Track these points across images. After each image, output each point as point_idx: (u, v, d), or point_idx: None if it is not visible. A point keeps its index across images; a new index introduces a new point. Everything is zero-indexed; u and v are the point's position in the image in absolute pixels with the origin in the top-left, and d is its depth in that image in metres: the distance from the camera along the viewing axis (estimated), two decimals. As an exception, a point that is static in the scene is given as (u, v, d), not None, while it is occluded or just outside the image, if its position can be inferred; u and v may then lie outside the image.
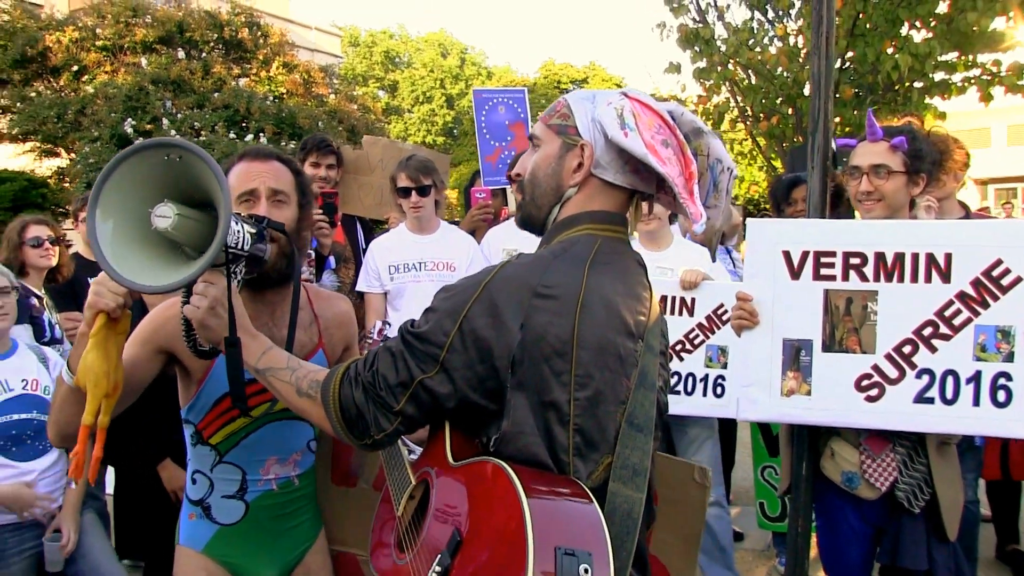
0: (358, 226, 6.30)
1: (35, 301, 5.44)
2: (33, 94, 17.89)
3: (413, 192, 5.23)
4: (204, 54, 18.88)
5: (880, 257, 3.27)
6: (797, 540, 3.62)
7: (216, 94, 17.22)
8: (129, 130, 15.08)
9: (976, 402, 3.16)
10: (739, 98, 14.91)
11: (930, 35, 12.44)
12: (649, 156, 1.96)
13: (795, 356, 3.36)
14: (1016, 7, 11.48)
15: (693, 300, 4.79)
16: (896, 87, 13.24)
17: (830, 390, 3.30)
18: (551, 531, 1.58)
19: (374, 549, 2.38)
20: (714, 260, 2.54)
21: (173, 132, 15.59)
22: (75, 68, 18.32)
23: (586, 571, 1.54)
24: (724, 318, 4.66)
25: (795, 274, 3.37)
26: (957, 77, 13.10)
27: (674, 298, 4.81)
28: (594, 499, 1.75)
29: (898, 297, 3.24)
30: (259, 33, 20.19)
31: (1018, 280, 3.13)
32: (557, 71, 50.80)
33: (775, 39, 14.48)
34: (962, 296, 3.18)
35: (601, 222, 2.08)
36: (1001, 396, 3.13)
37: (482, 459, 1.86)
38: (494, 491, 1.73)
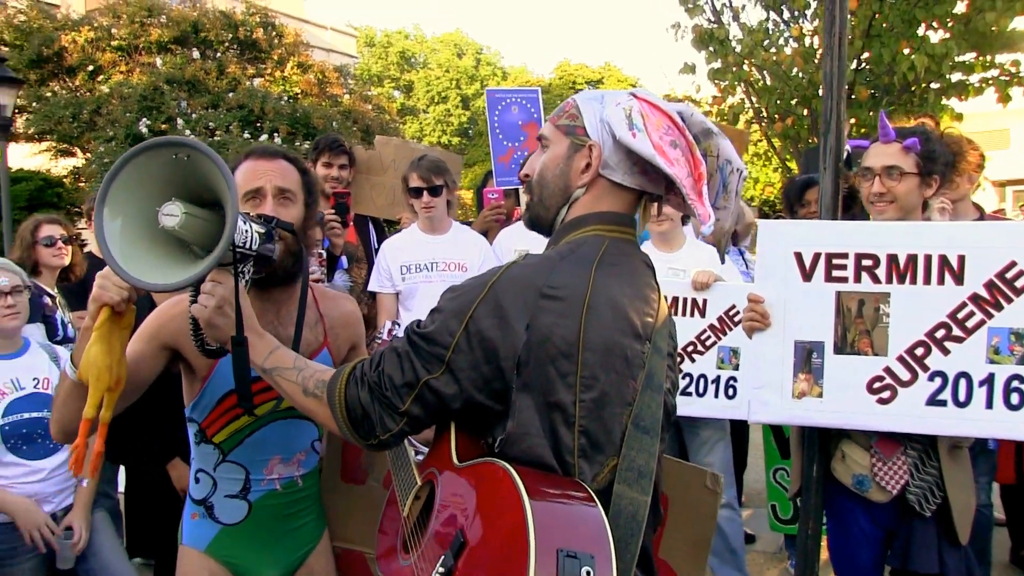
0: (370, 226, 6.30)
1: (48, 300, 5.48)
2: (49, 94, 17.96)
3: (425, 192, 5.23)
4: (219, 54, 18.92)
5: (893, 259, 3.25)
6: (808, 543, 3.60)
7: (231, 94, 17.25)
8: (144, 130, 15.12)
9: (989, 405, 3.14)
10: (754, 99, 14.87)
11: (947, 35, 12.40)
12: (657, 157, 1.95)
13: (807, 358, 3.34)
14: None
15: (705, 301, 4.77)
16: (912, 88, 13.18)
17: (842, 392, 3.28)
18: (553, 533, 1.58)
19: (379, 549, 2.38)
20: (723, 261, 2.52)
21: (188, 132, 15.62)
22: (90, 68, 18.38)
23: (588, 573, 1.53)
24: (736, 319, 4.64)
25: (807, 276, 3.35)
26: (975, 78, 13.04)
27: (686, 299, 4.80)
28: (598, 501, 1.74)
29: (911, 299, 3.22)
30: (274, 33, 20.21)
31: (1032, 282, 3.11)
32: (572, 71, 50.73)
33: (790, 40, 14.44)
34: (975, 298, 3.15)
35: (609, 223, 2.07)
36: (1015, 399, 3.11)
37: (486, 460, 1.86)
38: (497, 493, 1.73)
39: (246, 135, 16.15)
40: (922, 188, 3.45)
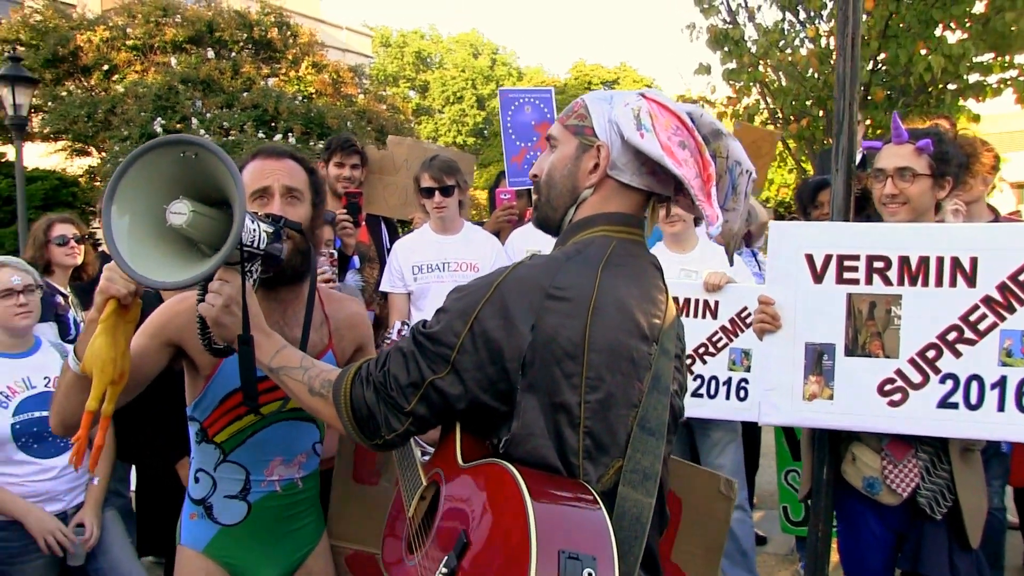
0: (383, 226, 6.30)
1: (60, 299, 5.50)
2: (64, 93, 18.03)
3: (436, 192, 5.23)
4: (233, 54, 18.95)
5: (904, 261, 3.23)
6: (818, 545, 3.59)
7: (245, 94, 17.28)
8: (159, 129, 15.15)
9: (1001, 407, 3.12)
10: (769, 100, 14.84)
11: (965, 36, 12.33)
12: (665, 158, 1.94)
13: (817, 360, 3.33)
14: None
15: (717, 303, 4.76)
16: (929, 89, 13.12)
17: (852, 395, 3.28)
18: (555, 534, 1.57)
19: (385, 549, 2.38)
20: (731, 263, 2.52)
21: (202, 131, 15.66)
22: (106, 67, 18.44)
23: (590, 575, 1.53)
24: (748, 321, 4.62)
25: (818, 277, 3.34)
26: (993, 79, 12.99)
27: (698, 300, 4.79)
28: (601, 503, 1.74)
29: (922, 301, 3.21)
30: (288, 33, 20.25)
31: (1045, 285, 3.09)
32: (588, 72, 50.68)
33: (806, 40, 14.40)
34: (988, 300, 3.14)
35: (617, 224, 2.06)
36: (1027, 402, 3.10)
37: (490, 461, 1.86)
38: (500, 494, 1.73)
39: (260, 135, 16.17)
40: (935, 190, 3.43)
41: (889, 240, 3.28)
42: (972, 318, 3.15)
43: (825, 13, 14.20)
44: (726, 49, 14.21)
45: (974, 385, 3.13)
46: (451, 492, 1.97)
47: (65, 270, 5.67)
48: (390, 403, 1.94)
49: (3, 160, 17.16)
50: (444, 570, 1.73)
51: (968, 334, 3.15)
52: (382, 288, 5.49)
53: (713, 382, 4.76)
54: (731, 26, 14.39)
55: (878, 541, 3.46)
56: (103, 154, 17.65)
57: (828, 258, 3.33)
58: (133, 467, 5.31)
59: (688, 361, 4.74)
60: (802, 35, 14.58)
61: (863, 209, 4.37)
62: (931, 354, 3.18)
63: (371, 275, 5.77)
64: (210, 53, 18.41)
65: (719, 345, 4.76)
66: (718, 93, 15.99)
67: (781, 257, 3.44)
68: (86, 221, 8.85)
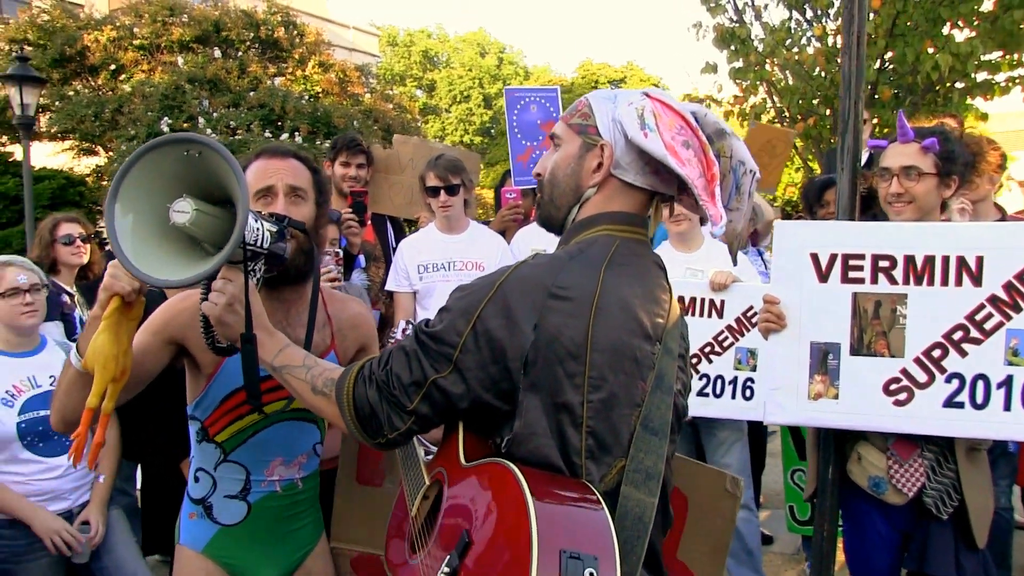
0: (388, 225, 6.31)
1: (66, 298, 5.51)
2: (71, 93, 18.07)
3: (442, 191, 5.23)
4: (240, 53, 18.99)
5: (910, 260, 3.23)
6: (823, 545, 3.58)
7: (252, 93, 17.31)
8: (165, 128, 15.16)
9: (1007, 407, 3.12)
10: (776, 99, 14.81)
11: (973, 34, 12.27)
12: (668, 157, 1.94)
13: (823, 359, 3.33)
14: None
15: (723, 302, 4.75)
16: (936, 88, 13.09)
17: (858, 394, 3.27)
18: (556, 534, 1.57)
19: (388, 548, 2.38)
20: (735, 263, 2.52)
21: (209, 131, 15.69)
22: (113, 67, 18.50)
23: (591, 575, 1.53)
24: (754, 320, 4.61)
25: (823, 277, 3.34)
26: (1001, 77, 12.95)
27: (703, 300, 4.78)
28: (604, 503, 1.74)
29: (928, 300, 3.20)
30: (295, 32, 20.28)
31: (1052, 283, 3.08)
32: (594, 71, 50.61)
33: (813, 39, 14.36)
34: (993, 300, 3.13)
35: (620, 223, 2.06)
36: (1033, 401, 3.09)
37: (492, 460, 1.85)
38: (501, 493, 1.73)
39: (267, 134, 16.22)
40: (940, 189, 3.42)
41: (894, 239, 3.27)
42: (978, 317, 3.14)
43: (832, 12, 14.15)
44: (732, 48, 14.18)
45: (980, 384, 3.13)
46: (453, 491, 1.97)
47: (71, 269, 5.67)
48: (393, 402, 1.94)
49: (11, 159, 17.24)
50: (446, 569, 1.73)
51: (974, 333, 3.14)
52: (388, 287, 5.49)
53: (719, 381, 4.76)
54: (738, 25, 14.35)
55: (884, 541, 3.45)
56: (110, 153, 17.71)
57: (833, 257, 3.33)
58: (139, 466, 5.33)
59: (694, 360, 4.74)
60: (809, 34, 14.55)
61: (869, 208, 4.35)
62: (937, 353, 3.17)
63: (377, 274, 5.77)
64: (217, 52, 18.44)
65: (725, 344, 4.76)
66: (724, 92, 15.97)
67: (786, 256, 3.43)
68: (93, 220, 8.86)
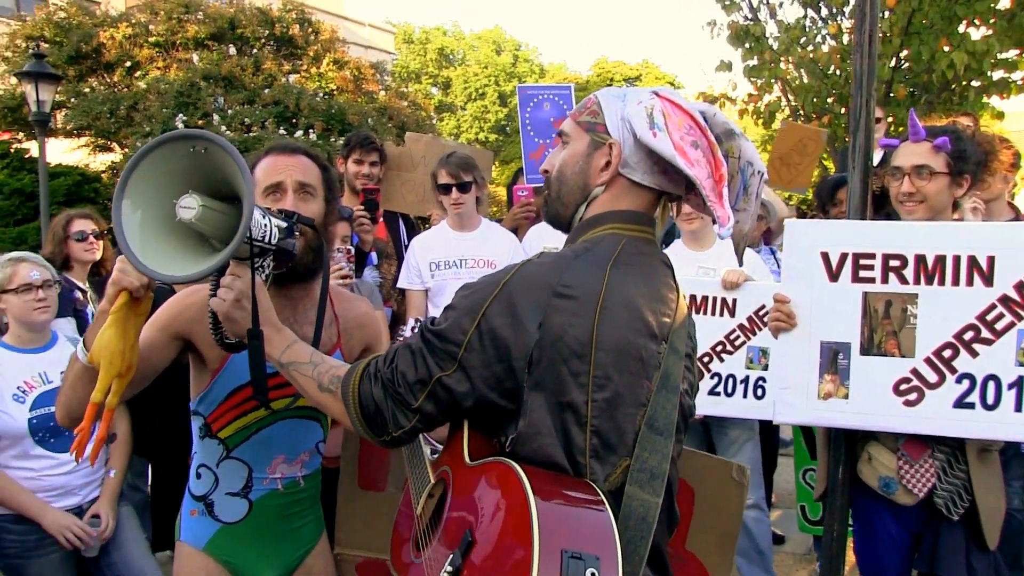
0: (400, 222, 6.30)
1: (79, 295, 5.53)
2: (87, 89, 18.10)
3: (453, 188, 5.24)
4: (255, 50, 19.01)
5: (921, 259, 3.21)
6: (833, 545, 3.57)
7: (266, 90, 17.32)
8: (180, 125, 15.17)
9: (1018, 408, 3.10)
10: (790, 97, 14.76)
11: (989, 32, 12.21)
12: (677, 157, 1.93)
13: (833, 359, 3.31)
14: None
15: (735, 301, 4.75)
16: (952, 86, 13.02)
17: (868, 394, 3.26)
18: (558, 534, 1.57)
19: (393, 548, 2.38)
20: (740, 264, 2.53)
21: (224, 128, 15.73)
22: (128, 64, 18.54)
23: (593, 575, 1.52)
24: (766, 319, 4.60)
25: (833, 276, 3.33)
26: (1017, 75, 12.86)
27: (715, 298, 4.77)
28: (606, 502, 1.74)
29: (939, 300, 3.19)
30: (310, 30, 20.29)
31: (1064, 284, 3.06)
32: (610, 68, 50.49)
33: (828, 37, 14.31)
34: (1005, 300, 3.11)
35: (627, 221, 2.05)
36: (1045, 402, 3.07)
37: (495, 460, 1.85)
38: (504, 493, 1.73)
39: (281, 131, 16.23)
40: (952, 188, 3.41)
41: (905, 238, 3.25)
42: (989, 317, 3.13)
43: (847, 10, 14.10)
44: (747, 46, 14.14)
45: (991, 385, 3.11)
46: (458, 490, 1.97)
47: (84, 266, 5.70)
48: (398, 400, 1.94)
49: (27, 156, 17.28)
50: (449, 568, 1.73)
51: (985, 333, 3.13)
52: (399, 285, 5.50)
53: (730, 380, 4.75)
54: (752, 22, 14.31)
55: (894, 541, 3.44)
56: (125, 150, 17.77)
57: (844, 256, 3.31)
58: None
59: (705, 359, 4.73)
60: (824, 32, 14.51)
61: (883, 207, 4.34)
62: (947, 353, 3.16)
63: (389, 271, 5.78)
64: (232, 50, 18.48)
65: (737, 343, 4.75)
66: (739, 90, 15.94)
67: (797, 255, 3.42)
68: (107, 217, 8.87)
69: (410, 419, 1.95)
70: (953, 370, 3.15)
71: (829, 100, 14.06)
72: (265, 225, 2.20)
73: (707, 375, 4.72)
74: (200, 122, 15.83)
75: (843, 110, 13.83)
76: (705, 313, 4.75)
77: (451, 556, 1.76)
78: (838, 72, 13.61)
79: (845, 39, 13.71)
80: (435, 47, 52.92)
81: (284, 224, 2.36)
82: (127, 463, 4.32)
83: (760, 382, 4.71)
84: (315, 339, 2.55)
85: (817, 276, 3.35)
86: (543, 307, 1.84)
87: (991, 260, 3.13)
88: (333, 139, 16.29)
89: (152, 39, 18.44)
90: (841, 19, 14.31)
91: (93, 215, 5.81)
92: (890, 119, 12.52)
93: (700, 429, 5.17)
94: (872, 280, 3.27)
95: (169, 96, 16.28)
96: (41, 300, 4.05)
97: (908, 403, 3.19)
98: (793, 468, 5.85)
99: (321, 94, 18.38)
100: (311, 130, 16.69)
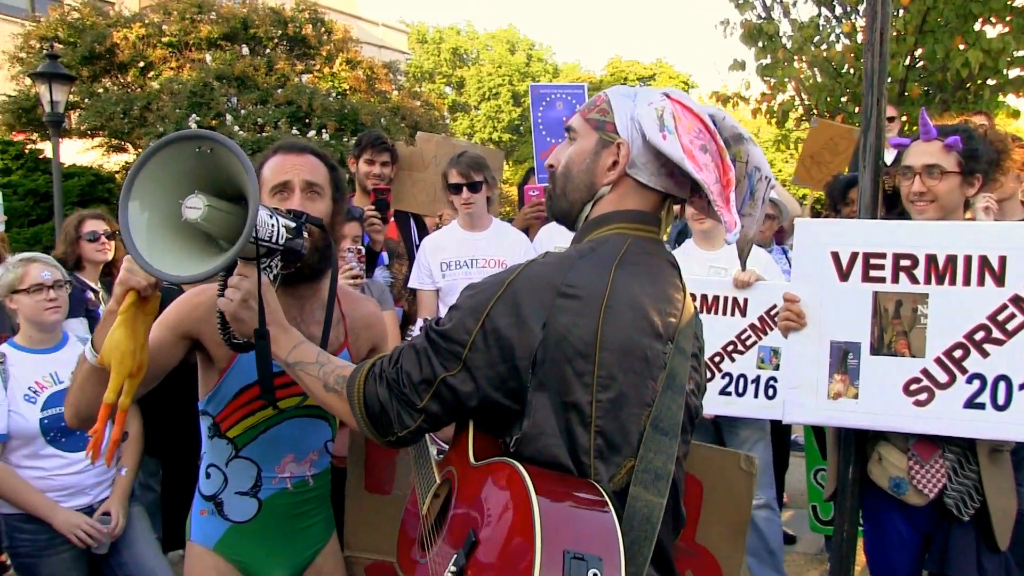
0: (412, 222, 6.31)
1: (91, 295, 5.55)
2: (101, 90, 18.16)
3: (464, 188, 5.24)
4: (268, 50, 19.05)
5: (931, 259, 3.20)
6: (843, 545, 3.56)
7: (279, 90, 17.36)
8: (193, 126, 15.22)
9: (1029, 408, 3.08)
10: (804, 96, 14.70)
11: (1005, 30, 12.12)
12: (686, 161, 1.93)
13: (843, 359, 3.30)
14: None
15: (746, 300, 4.73)
16: (967, 85, 12.94)
17: (878, 394, 3.24)
18: (561, 534, 1.57)
19: (400, 547, 2.38)
20: (743, 268, 2.54)
21: (236, 128, 15.78)
22: (141, 64, 18.59)
23: None
24: (777, 319, 4.59)
25: (843, 275, 3.31)
26: (1034, 74, 12.76)
27: (727, 298, 4.76)
28: (610, 503, 1.73)
29: (949, 300, 3.17)
30: (323, 29, 20.32)
31: (1076, 284, 3.04)
32: (624, 68, 50.40)
33: (841, 36, 14.25)
34: (1016, 300, 3.10)
35: (633, 221, 2.05)
36: (1057, 403, 3.05)
37: (499, 460, 1.86)
38: (507, 493, 1.73)
39: (294, 131, 16.27)
40: (964, 187, 3.39)
41: (916, 238, 3.24)
42: (1000, 318, 3.11)
43: (861, 8, 14.02)
44: (760, 44, 14.08)
45: (1002, 385, 3.09)
46: (462, 490, 1.98)
47: (96, 266, 5.72)
48: (403, 400, 1.94)
49: (41, 156, 17.35)
50: (453, 568, 1.73)
51: (996, 334, 3.11)
52: (410, 284, 5.51)
53: (741, 380, 4.73)
54: (766, 21, 14.25)
55: (904, 541, 3.43)
56: (139, 150, 17.80)
57: (854, 256, 3.30)
58: (161, 462, 5.36)
59: (716, 359, 4.72)
60: (837, 30, 14.44)
61: (895, 206, 4.32)
62: (958, 354, 3.15)
63: (400, 271, 5.79)
64: (245, 50, 18.52)
65: (748, 343, 4.73)
66: (753, 90, 15.88)
67: (807, 255, 3.41)
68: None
69: (415, 419, 1.94)
70: (964, 370, 3.14)
71: (843, 99, 13.98)
72: (272, 225, 2.21)
73: (718, 375, 4.71)
74: (213, 122, 15.88)
75: (857, 109, 13.74)
76: (716, 313, 4.73)
77: (455, 556, 1.76)
78: (852, 71, 13.54)
79: (859, 38, 13.62)
80: (449, 47, 52.92)
81: (292, 224, 2.36)
82: (138, 461, 4.34)
83: (771, 382, 4.69)
84: (323, 339, 2.55)
85: (827, 276, 3.34)
86: (547, 307, 1.84)
87: (1003, 260, 3.11)
88: (346, 139, 16.31)
89: (165, 39, 18.49)
90: (855, 17, 14.23)
91: (105, 215, 5.82)
92: (904, 118, 12.46)
93: (711, 429, 5.16)
94: (882, 280, 3.26)
95: (182, 96, 16.32)
96: (52, 300, 4.07)
97: (918, 403, 3.18)
98: (804, 468, 5.83)
99: (334, 94, 18.41)
100: (324, 130, 16.72)
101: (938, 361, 3.17)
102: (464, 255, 5.34)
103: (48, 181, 15.49)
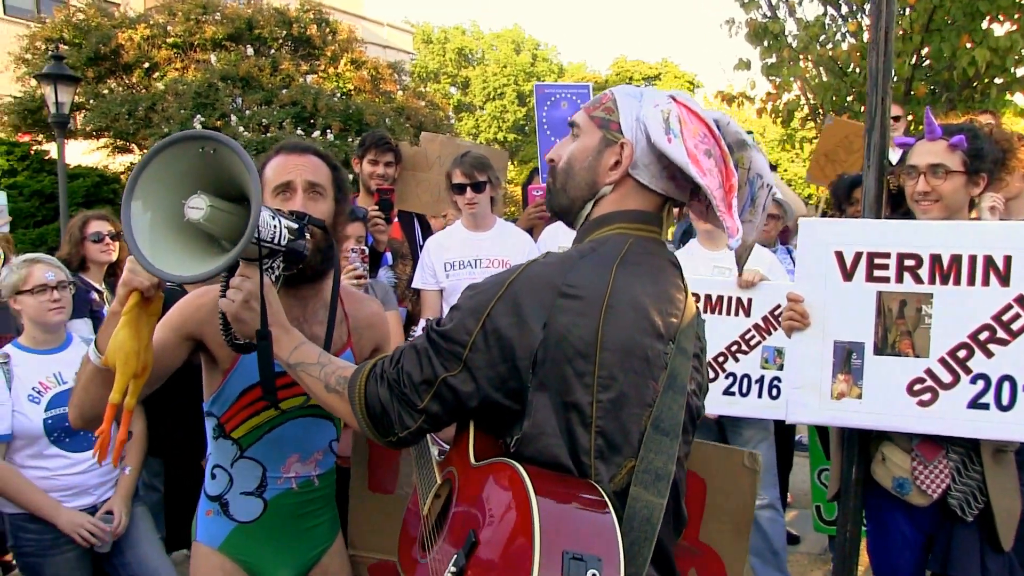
0: (416, 222, 6.30)
1: (95, 296, 5.56)
2: (106, 91, 18.26)
3: (468, 188, 5.23)
4: (273, 51, 19.13)
5: (936, 259, 3.19)
6: (846, 545, 3.55)
7: (284, 91, 17.43)
8: (198, 126, 15.28)
9: (1034, 409, 3.07)
10: (810, 95, 14.67)
11: (1013, 28, 12.08)
12: (690, 166, 1.92)
13: (846, 359, 3.29)
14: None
15: (750, 300, 4.71)
16: (974, 83, 12.90)
17: (881, 394, 3.23)
18: (560, 535, 1.57)
19: (400, 547, 2.38)
20: (740, 273, 2.53)
21: (241, 128, 15.82)
22: (146, 65, 18.69)
23: None
24: (781, 319, 4.58)
25: (847, 275, 3.30)
26: (1042, 72, 12.71)
27: (731, 298, 4.74)
28: (610, 503, 1.73)
29: (954, 300, 3.16)
30: (327, 30, 20.36)
31: (1081, 284, 3.03)
32: (629, 67, 50.40)
33: (847, 35, 14.21)
34: (1021, 300, 3.09)
35: (635, 221, 2.04)
36: (1061, 404, 3.04)
37: (499, 460, 1.85)
38: (507, 493, 1.72)
39: (299, 131, 16.32)
40: (968, 187, 3.38)
41: (920, 238, 3.23)
42: (1005, 318, 3.10)
43: (867, 7, 13.96)
44: (766, 44, 14.05)
45: (1006, 386, 3.08)
46: (463, 490, 1.97)
47: (100, 267, 5.73)
48: (403, 400, 1.94)
49: (46, 158, 17.40)
50: (453, 569, 1.73)
51: (1000, 334, 3.10)
52: (414, 285, 5.50)
53: (745, 380, 4.72)
54: (771, 20, 14.22)
55: (908, 542, 3.42)
56: (144, 151, 17.81)
57: (858, 256, 3.29)
58: (164, 462, 5.37)
59: (720, 359, 4.70)
60: (843, 29, 14.40)
61: (900, 206, 4.31)
62: (962, 354, 3.13)
63: (404, 271, 5.78)
64: (249, 50, 18.60)
65: (752, 343, 4.71)
66: (758, 89, 15.86)
67: (811, 254, 3.40)
68: (123, 217, 8.92)
69: (416, 420, 1.94)
70: (968, 370, 3.13)
71: (849, 99, 13.95)
72: (275, 226, 2.20)
73: (722, 375, 4.69)
74: (218, 123, 15.93)
75: (863, 108, 13.66)
76: (720, 313, 4.72)
77: (455, 556, 1.76)
78: (857, 70, 13.50)
79: (865, 37, 13.59)
80: (454, 47, 52.95)
81: (295, 225, 2.36)
82: (142, 460, 4.35)
83: (775, 382, 4.67)
84: (327, 339, 2.55)
85: (831, 275, 3.33)
86: (548, 307, 1.83)
87: (1008, 260, 3.10)
88: (351, 139, 16.36)
89: (170, 40, 18.58)
90: (861, 16, 14.19)
91: (110, 216, 5.83)
92: (910, 117, 12.43)
93: (715, 429, 5.15)
94: (887, 279, 3.25)
95: (187, 97, 16.39)
96: (56, 301, 4.08)
97: (922, 403, 3.17)
98: (809, 468, 5.83)
99: (338, 94, 18.45)
100: (328, 130, 16.77)
101: (942, 361, 3.16)
102: (468, 255, 5.33)
103: (53, 182, 15.55)
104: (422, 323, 3.29)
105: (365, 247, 4.66)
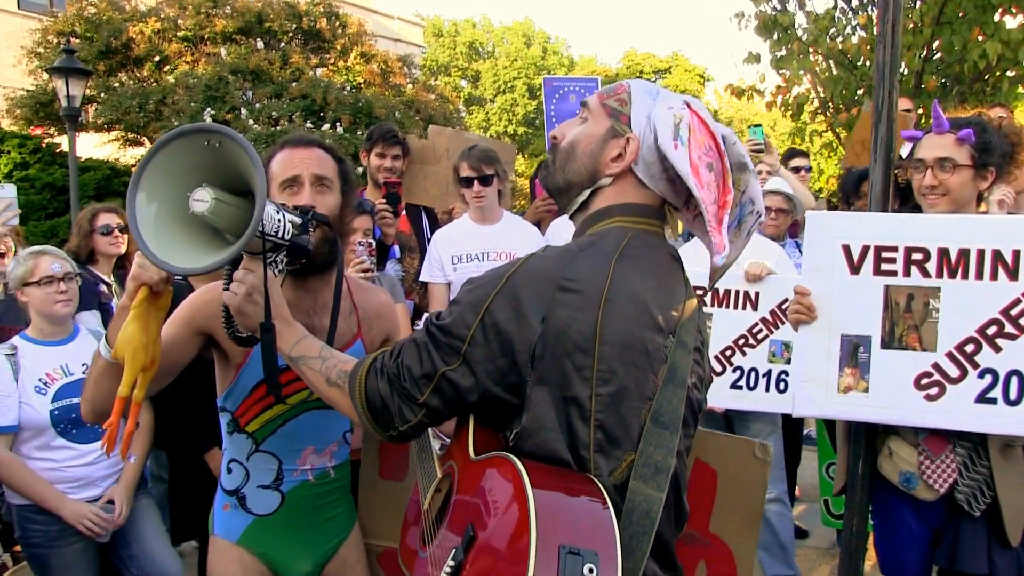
0: (423, 215, 6.30)
1: (104, 288, 5.58)
2: (117, 84, 18.31)
3: (475, 182, 5.23)
4: (283, 44, 19.12)
5: (944, 253, 3.17)
6: (853, 540, 3.54)
7: (294, 84, 17.43)
8: (208, 119, 15.29)
9: (1042, 404, 3.05)
10: (820, 89, 14.61)
11: (1027, 20, 12.00)
12: (690, 176, 1.92)
13: (853, 352, 3.28)
14: None
15: (757, 294, 4.71)
16: (985, 77, 12.83)
17: (888, 388, 3.22)
18: (557, 529, 1.56)
19: (402, 540, 2.39)
20: (709, 291, 2.52)
21: (251, 122, 15.83)
22: (157, 58, 18.72)
23: (591, 571, 1.51)
24: (788, 312, 4.57)
25: (855, 269, 3.29)
26: (1056, 66, 12.63)
27: (738, 291, 4.74)
28: (608, 498, 1.72)
29: (962, 294, 3.14)
30: (337, 23, 20.36)
31: (1090, 279, 3.01)
32: (639, 61, 50.26)
33: (857, 28, 14.15)
34: (1029, 294, 3.07)
35: (634, 214, 2.04)
36: (1070, 398, 3.02)
37: (497, 454, 1.85)
38: (505, 488, 1.71)
39: (308, 125, 16.32)
40: (976, 181, 3.37)
41: (928, 231, 3.21)
42: (1013, 312, 3.08)
43: (878, 1, 13.90)
44: (775, 36, 13.99)
45: (1014, 380, 3.06)
46: (462, 485, 1.97)
47: (109, 259, 5.76)
48: (404, 394, 1.94)
49: (58, 151, 17.45)
50: (452, 563, 1.73)
51: (1009, 328, 3.08)
52: (422, 278, 5.50)
53: (753, 374, 4.71)
54: (780, 12, 14.16)
55: (915, 537, 3.41)
56: (154, 144, 17.88)
57: (865, 249, 3.27)
58: (169, 455, 5.38)
59: (728, 353, 4.70)
60: (853, 22, 14.33)
61: (908, 200, 4.29)
62: (970, 348, 3.12)
63: (411, 265, 5.79)
64: (259, 44, 18.59)
65: (759, 337, 4.71)
66: (768, 82, 15.79)
67: (818, 248, 3.38)
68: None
69: (416, 414, 1.94)
70: (975, 365, 3.11)
71: (859, 92, 13.88)
72: (279, 220, 2.21)
73: (729, 368, 4.69)
74: (228, 116, 15.95)
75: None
76: (728, 306, 4.72)
77: (453, 551, 1.76)
78: (867, 63, 13.43)
79: (875, 30, 13.48)
80: (464, 40, 52.82)
81: (299, 220, 2.36)
82: (147, 451, 4.37)
83: (783, 376, 4.67)
84: (330, 331, 2.56)
85: (838, 269, 3.31)
86: (547, 301, 1.83)
87: (1016, 254, 3.08)
88: (360, 133, 16.31)
89: (181, 34, 18.60)
90: (871, 9, 14.10)
91: (119, 209, 5.84)
92: (920, 110, 12.37)
93: (722, 422, 5.14)
94: (894, 273, 3.23)
95: (197, 90, 16.41)
96: (63, 292, 4.10)
97: (929, 397, 3.15)
98: (817, 462, 5.82)
99: (348, 88, 18.44)
100: (338, 123, 16.77)
101: (949, 355, 3.14)
102: (475, 248, 5.33)
103: (65, 175, 15.58)
104: (426, 316, 3.28)
105: (372, 240, 4.66)
